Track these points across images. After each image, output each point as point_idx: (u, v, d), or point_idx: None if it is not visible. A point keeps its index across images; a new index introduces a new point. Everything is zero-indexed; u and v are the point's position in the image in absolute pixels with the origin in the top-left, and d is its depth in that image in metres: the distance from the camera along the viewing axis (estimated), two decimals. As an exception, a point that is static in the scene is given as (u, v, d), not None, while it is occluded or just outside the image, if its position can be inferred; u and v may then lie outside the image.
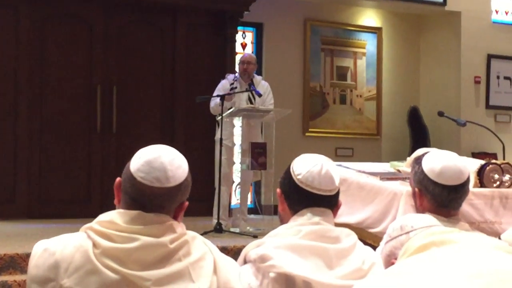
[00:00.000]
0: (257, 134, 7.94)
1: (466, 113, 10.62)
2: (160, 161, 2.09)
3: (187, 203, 2.16)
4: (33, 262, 2.03)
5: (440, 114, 6.96)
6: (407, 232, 2.50)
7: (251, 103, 7.83)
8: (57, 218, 8.26)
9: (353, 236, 2.54)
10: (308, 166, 2.55)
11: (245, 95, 7.85)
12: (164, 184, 2.07)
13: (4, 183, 8.39)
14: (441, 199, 2.85)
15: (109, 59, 8.97)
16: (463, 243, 1.77)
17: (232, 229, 7.57)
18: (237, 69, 8.37)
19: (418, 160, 2.96)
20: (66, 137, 8.72)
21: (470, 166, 4.35)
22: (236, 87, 7.82)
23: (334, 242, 2.47)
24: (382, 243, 2.62)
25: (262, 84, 7.99)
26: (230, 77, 8.00)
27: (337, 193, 2.59)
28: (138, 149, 2.17)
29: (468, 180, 2.90)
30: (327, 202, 2.55)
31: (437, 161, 2.89)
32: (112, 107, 8.88)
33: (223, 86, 7.87)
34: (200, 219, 7.83)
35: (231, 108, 7.47)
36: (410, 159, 4.64)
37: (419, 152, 4.18)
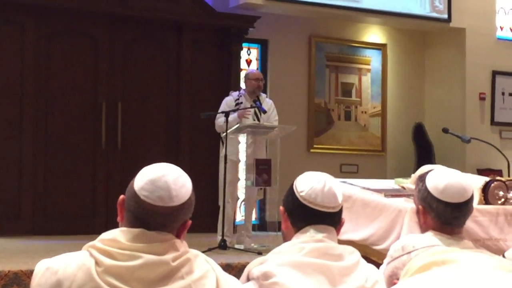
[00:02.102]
0: (262, 150, 7.94)
1: (471, 129, 10.62)
2: (164, 180, 2.09)
3: (190, 222, 2.16)
4: (35, 281, 2.03)
5: (445, 130, 6.96)
6: (409, 252, 2.50)
7: (258, 119, 7.85)
8: (61, 234, 8.26)
9: (356, 254, 2.53)
10: (311, 183, 2.55)
11: (250, 112, 7.86)
12: (167, 203, 2.07)
13: (9, 199, 8.40)
14: (445, 216, 2.84)
15: (114, 75, 9.00)
16: (465, 263, 1.77)
17: (236, 246, 7.56)
18: (242, 85, 8.37)
19: (422, 178, 2.96)
20: (71, 153, 8.73)
21: (475, 183, 4.34)
22: (241, 103, 7.83)
23: (337, 259, 2.46)
24: (384, 264, 2.62)
25: (266, 102, 8.01)
26: (235, 94, 8.01)
27: (340, 210, 2.59)
28: (143, 166, 2.17)
29: (471, 198, 2.89)
30: (330, 219, 2.55)
31: (441, 178, 2.88)
32: (117, 123, 8.90)
33: (227, 103, 7.88)
34: (205, 235, 7.81)
35: (237, 124, 7.48)
36: (414, 176, 4.63)
37: (423, 169, 4.17)
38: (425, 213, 2.89)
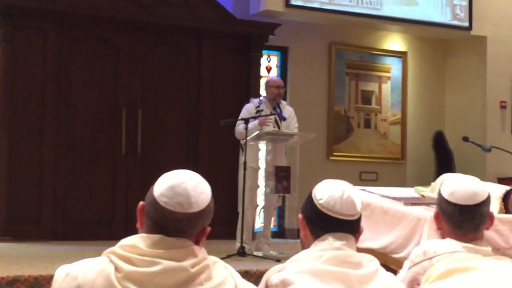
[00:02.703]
0: (282, 157, 7.93)
1: (492, 138, 10.57)
2: (184, 186, 2.09)
3: (209, 228, 2.17)
4: (55, 286, 2.04)
5: (465, 139, 6.91)
6: (430, 258, 2.49)
7: (278, 126, 7.84)
8: (81, 239, 8.29)
9: (375, 262, 2.52)
10: (329, 191, 2.55)
11: (271, 119, 7.86)
12: (186, 209, 2.08)
13: (30, 204, 8.45)
14: (454, 219, 2.84)
15: (134, 81, 9.05)
16: (486, 270, 1.76)
17: (255, 253, 7.56)
18: (261, 92, 8.37)
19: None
20: (91, 159, 8.78)
21: (495, 191, 4.32)
22: (262, 110, 7.83)
23: (356, 267, 2.46)
24: (404, 269, 2.61)
25: (287, 109, 8.01)
26: (255, 101, 8.01)
27: (359, 218, 2.58)
28: (162, 172, 2.18)
29: (484, 202, 2.87)
30: (349, 227, 2.54)
31: (453, 182, 2.92)
32: (137, 130, 8.94)
33: (248, 110, 7.88)
34: (224, 242, 7.81)
35: (257, 131, 7.49)
36: (434, 184, 4.62)
37: (444, 177, 4.17)
38: (439, 217, 2.93)
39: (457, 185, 2.89)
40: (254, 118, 7.66)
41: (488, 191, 2.91)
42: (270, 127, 7.77)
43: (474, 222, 2.85)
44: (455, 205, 2.84)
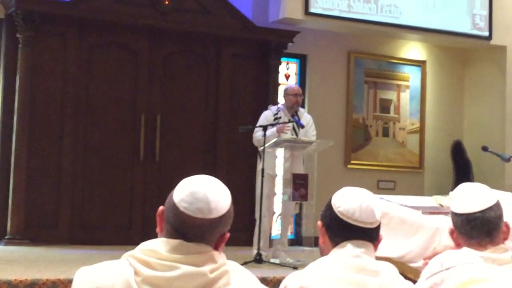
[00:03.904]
0: (299, 165, 7.93)
1: (511, 148, 10.52)
2: (204, 192, 2.10)
3: (228, 234, 2.17)
4: None
5: (484, 149, 6.90)
6: (448, 268, 2.47)
7: (296, 134, 7.85)
8: (98, 244, 8.33)
9: (394, 270, 2.52)
10: (349, 199, 2.55)
11: (289, 127, 7.86)
12: (206, 215, 2.08)
13: (48, 209, 8.50)
14: (464, 229, 2.77)
15: (153, 87, 9.08)
16: (502, 281, 1.75)
17: (272, 260, 7.54)
18: (280, 100, 8.36)
19: None
20: (109, 164, 8.82)
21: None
22: (280, 117, 7.84)
23: (374, 275, 2.45)
24: (422, 279, 2.60)
25: (305, 117, 8.00)
26: (274, 108, 8.01)
27: (378, 227, 2.58)
28: (180, 178, 2.18)
29: (490, 208, 2.77)
30: (368, 235, 2.54)
31: (458, 191, 2.87)
32: (156, 136, 8.97)
33: (266, 117, 7.88)
34: (240, 249, 7.82)
35: (275, 139, 7.49)
36: (452, 193, 4.61)
37: (461, 187, 4.14)
38: (454, 233, 2.86)
39: (460, 195, 2.84)
40: (272, 125, 7.66)
41: (495, 197, 2.84)
42: (288, 135, 7.77)
43: (483, 229, 2.76)
44: (461, 215, 2.77)
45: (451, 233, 2.87)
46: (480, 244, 2.77)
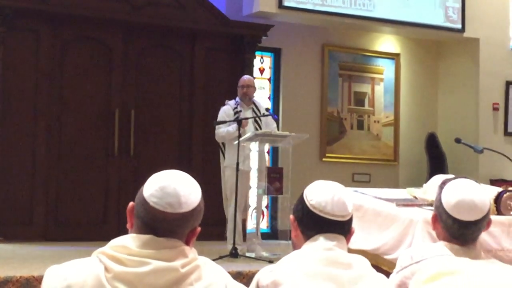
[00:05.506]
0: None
1: (484, 139, 10.59)
2: (173, 186, 2.09)
3: (199, 228, 2.17)
4: (45, 287, 2.03)
5: (457, 141, 6.92)
6: (418, 262, 2.48)
7: (259, 126, 7.84)
8: (73, 240, 8.29)
9: (366, 263, 2.53)
10: (321, 192, 2.55)
11: (250, 120, 7.84)
12: (176, 209, 2.08)
13: (22, 205, 8.44)
14: (452, 231, 2.77)
15: (127, 82, 9.04)
16: (472, 273, 1.76)
17: (247, 254, 7.55)
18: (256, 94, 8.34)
19: (442, 185, 2.87)
20: (83, 160, 8.77)
21: (488, 193, 4.31)
22: (240, 111, 7.82)
23: (347, 268, 2.46)
24: (393, 273, 2.60)
25: (262, 106, 8.03)
26: (231, 102, 7.99)
27: (350, 219, 2.58)
28: (155, 173, 2.18)
29: (484, 217, 2.78)
30: (340, 228, 2.54)
31: (456, 192, 2.80)
32: (130, 131, 8.93)
33: (225, 112, 7.86)
34: (216, 243, 7.82)
35: (249, 133, 7.49)
36: (426, 185, 4.63)
37: (436, 178, 4.16)
38: (436, 221, 2.85)
39: (459, 198, 2.78)
40: (237, 121, 7.56)
41: (489, 202, 2.83)
42: (251, 127, 7.76)
43: (472, 236, 2.77)
44: (455, 219, 2.74)
45: (434, 220, 2.84)
46: (462, 244, 2.76)
